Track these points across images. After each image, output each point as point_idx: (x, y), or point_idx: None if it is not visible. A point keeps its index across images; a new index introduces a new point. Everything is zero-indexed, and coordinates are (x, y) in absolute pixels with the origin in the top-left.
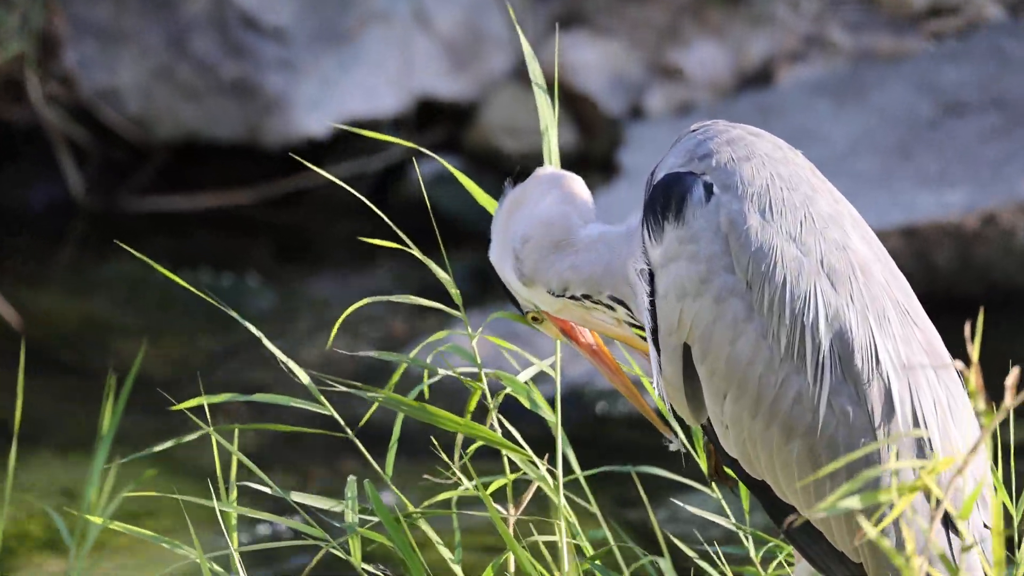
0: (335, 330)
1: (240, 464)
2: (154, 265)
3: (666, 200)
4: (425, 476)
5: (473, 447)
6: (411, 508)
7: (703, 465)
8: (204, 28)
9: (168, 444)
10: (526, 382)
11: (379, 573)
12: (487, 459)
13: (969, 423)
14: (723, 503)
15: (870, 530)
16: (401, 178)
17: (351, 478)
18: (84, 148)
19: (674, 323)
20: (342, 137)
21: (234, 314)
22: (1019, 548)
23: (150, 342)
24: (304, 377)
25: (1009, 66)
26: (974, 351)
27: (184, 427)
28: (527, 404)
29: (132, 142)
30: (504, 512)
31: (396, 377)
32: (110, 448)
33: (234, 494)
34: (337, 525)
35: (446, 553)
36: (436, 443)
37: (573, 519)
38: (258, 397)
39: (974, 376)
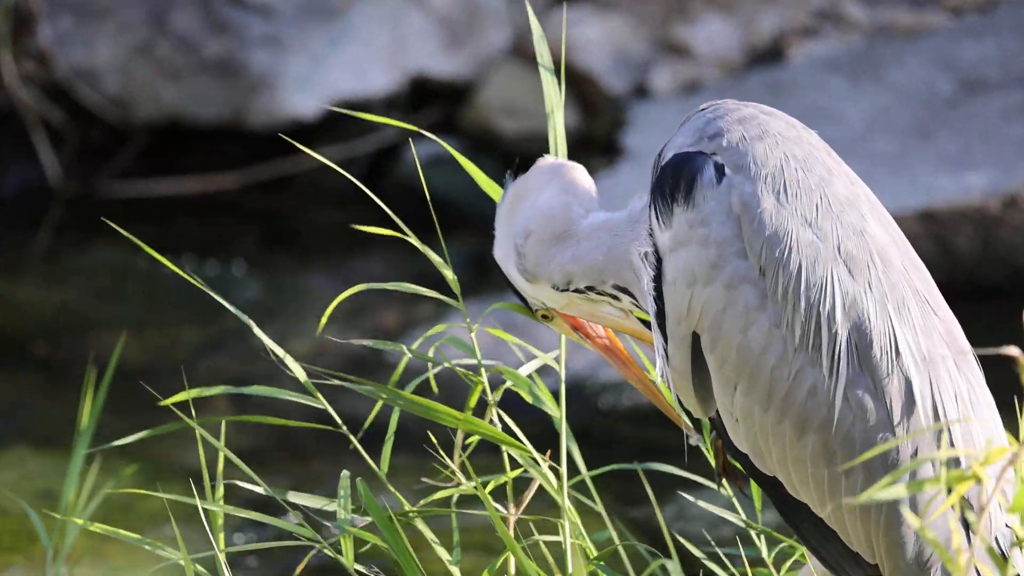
0: (325, 317)
1: (227, 462)
2: (143, 246)
3: (675, 181)
4: (423, 479)
5: (470, 442)
6: (407, 507)
7: (712, 461)
8: (186, 3)
9: (145, 434)
10: (528, 376)
11: (371, 574)
12: (486, 455)
13: (990, 416)
14: (734, 500)
15: (914, 521)
16: (394, 161)
17: (344, 475)
18: (60, 130)
19: (683, 311)
20: (332, 118)
21: (223, 302)
22: None
23: (131, 333)
24: (297, 369)
25: None
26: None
27: (168, 421)
28: (529, 399)
29: (111, 124)
30: (504, 511)
31: (400, 369)
32: (89, 445)
33: (220, 492)
34: (329, 525)
35: (443, 554)
36: (434, 440)
37: (576, 519)
38: (248, 390)
39: None
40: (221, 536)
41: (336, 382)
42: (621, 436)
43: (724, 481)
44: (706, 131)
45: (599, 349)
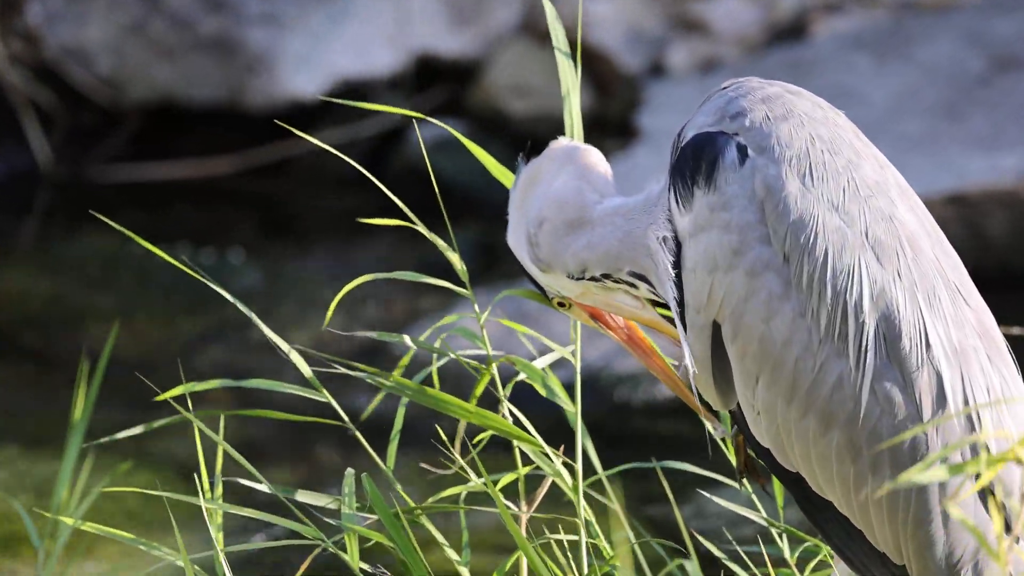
0: (332, 309)
1: (227, 458)
2: (134, 237)
3: (696, 163)
4: (428, 467)
5: (481, 437)
6: (412, 504)
7: (732, 458)
8: None
9: (142, 428)
10: (542, 369)
11: (377, 574)
12: (496, 451)
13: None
14: (754, 498)
15: (954, 511)
16: (399, 143)
17: (348, 472)
18: (50, 113)
19: (703, 299)
20: (333, 98)
21: (222, 291)
22: None
23: (124, 325)
24: (300, 362)
25: None
26: None
27: (163, 417)
28: (543, 392)
29: (102, 105)
30: (515, 509)
31: (406, 360)
32: (82, 441)
33: (220, 490)
34: (332, 523)
35: (452, 554)
36: (443, 434)
37: (591, 517)
38: (249, 383)
39: None
40: (220, 536)
41: (342, 371)
42: (636, 430)
43: (745, 479)
44: (728, 110)
45: (619, 338)
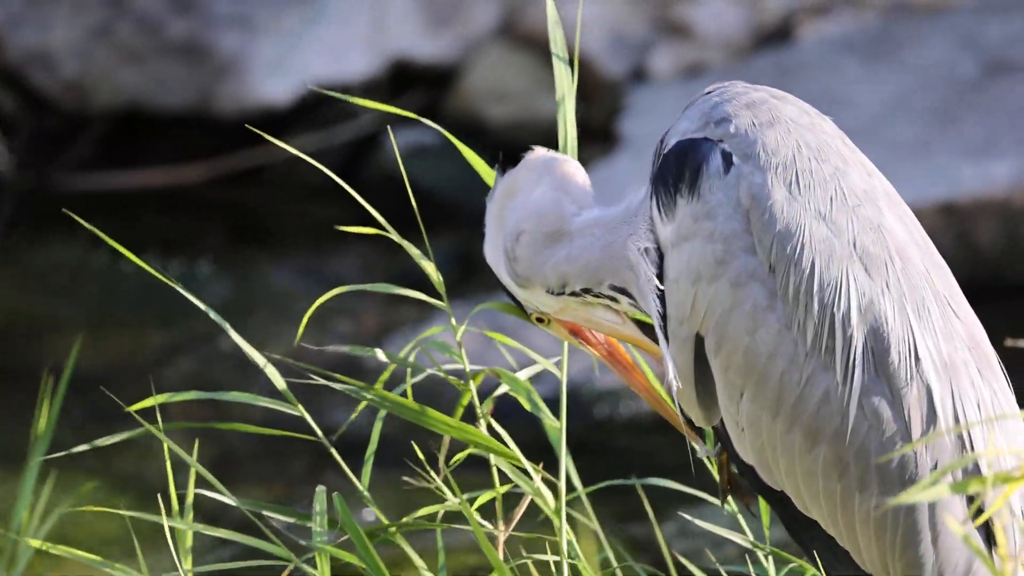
0: (304, 322)
1: (197, 472)
2: (106, 239)
3: (679, 170)
4: (405, 478)
5: (458, 458)
6: (386, 522)
7: (716, 476)
8: None
9: (106, 440)
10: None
11: None
12: (474, 467)
13: (1016, 426)
14: (739, 517)
15: (956, 527)
16: (374, 150)
17: (320, 489)
18: (13, 118)
19: (686, 310)
20: (307, 104)
21: (196, 300)
22: None
23: (90, 336)
24: (275, 375)
25: None
26: None
27: (131, 432)
28: (528, 406)
29: (67, 111)
30: (492, 528)
31: (386, 374)
32: (45, 457)
33: (189, 509)
34: (303, 544)
35: (428, 575)
36: (418, 451)
37: (572, 537)
38: (222, 395)
39: None
40: (189, 559)
41: (319, 382)
42: (618, 447)
43: (729, 498)
44: (712, 116)
45: (600, 353)
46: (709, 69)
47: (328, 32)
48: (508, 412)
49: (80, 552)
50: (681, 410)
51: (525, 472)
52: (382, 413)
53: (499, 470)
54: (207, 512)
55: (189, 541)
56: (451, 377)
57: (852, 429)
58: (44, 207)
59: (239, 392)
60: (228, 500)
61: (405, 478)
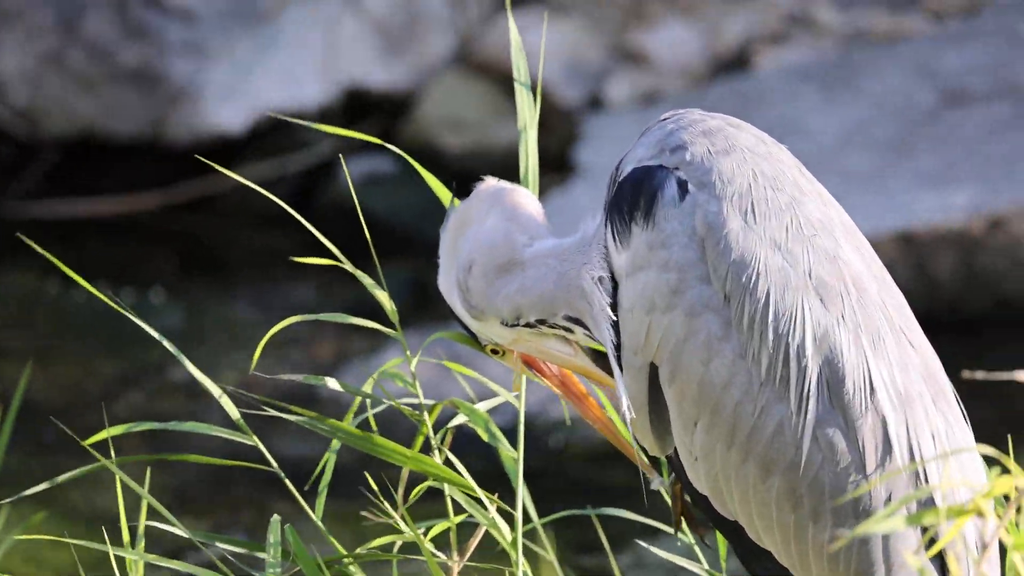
0: (259, 352)
1: (149, 508)
2: (58, 264)
3: (634, 198)
4: (364, 512)
5: (418, 489)
6: (341, 552)
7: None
8: (100, 7)
9: (64, 478)
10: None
11: None
12: (430, 497)
13: (970, 458)
14: (695, 548)
15: (912, 559)
16: (328, 179)
17: (274, 519)
18: None
19: (640, 340)
20: (259, 132)
21: (150, 329)
22: None
23: (39, 366)
24: (229, 405)
25: (1020, 49)
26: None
27: (80, 463)
28: (485, 437)
29: (18, 139)
30: (447, 560)
31: (354, 408)
32: None
33: (141, 540)
34: (256, 575)
35: None
36: (372, 483)
37: (527, 568)
38: (176, 426)
39: None
40: None
41: (273, 414)
42: (573, 477)
43: (684, 528)
44: (668, 143)
45: (553, 384)
46: (665, 97)
47: (282, 59)
48: (463, 442)
49: None
50: (635, 439)
51: (480, 503)
52: (335, 444)
53: (454, 500)
54: (162, 544)
55: (140, 572)
56: (407, 408)
57: (806, 460)
58: None
59: (194, 423)
60: (180, 532)
61: (364, 512)
